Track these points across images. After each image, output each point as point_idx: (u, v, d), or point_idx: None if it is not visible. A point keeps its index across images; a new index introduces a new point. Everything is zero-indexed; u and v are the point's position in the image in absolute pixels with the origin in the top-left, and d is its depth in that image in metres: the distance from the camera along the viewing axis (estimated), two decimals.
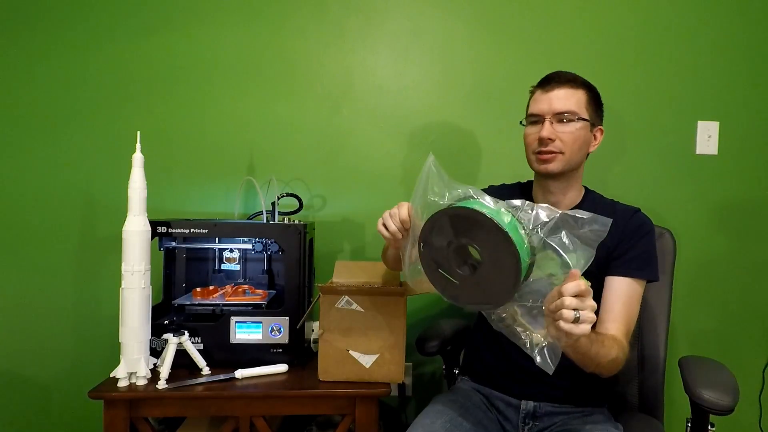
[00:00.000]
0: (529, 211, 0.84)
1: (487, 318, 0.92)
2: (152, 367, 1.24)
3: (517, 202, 0.84)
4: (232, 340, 1.31)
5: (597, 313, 1.06)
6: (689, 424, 1.10)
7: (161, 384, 1.17)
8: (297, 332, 1.32)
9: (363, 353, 1.21)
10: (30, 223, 1.65)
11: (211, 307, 1.36)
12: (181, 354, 1.24)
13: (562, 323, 0.75)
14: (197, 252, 1.51)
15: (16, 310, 1.66)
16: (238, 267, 1.55)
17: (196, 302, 1.38)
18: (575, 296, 0.75)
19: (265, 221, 1.43)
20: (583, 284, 0.76)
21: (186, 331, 1.26)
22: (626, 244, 1.09)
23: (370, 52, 1.69)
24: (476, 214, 0.81)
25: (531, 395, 1.14)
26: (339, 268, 1.31)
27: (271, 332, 1.31)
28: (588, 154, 1.15)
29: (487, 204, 0.84)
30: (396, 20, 1.69)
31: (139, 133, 1.23)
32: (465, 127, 1.70)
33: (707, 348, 1.74)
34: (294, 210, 1.57)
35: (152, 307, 1.24)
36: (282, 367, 1.28)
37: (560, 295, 0.76)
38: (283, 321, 1.31)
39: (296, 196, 1.57)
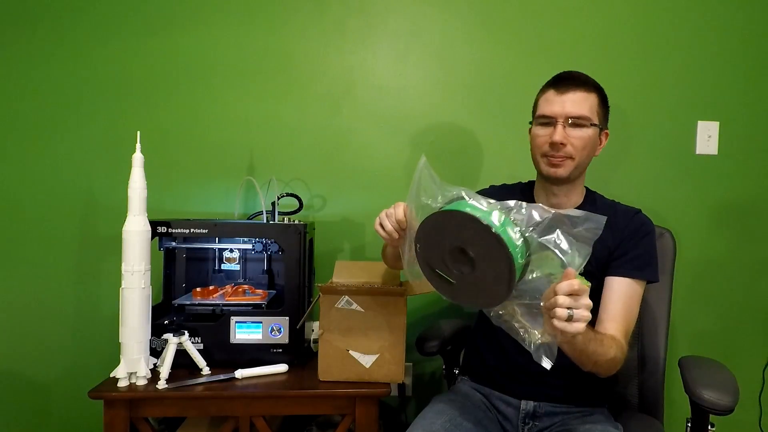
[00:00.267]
0: (523, 212, 0.83)
1: (486, 314, 0.92)
2: (152, 367, 1.24)
3: (510, 202, 0.83)
4: (232, 340, 1.31)
5: (596, 312, 1.07)
6: (689, 424, 1.10)
7: (161, 384, 1.17)
8: (297, 332, 1.32)
9: (363, 353, 1.21)
10: (30, 223, 1.65)
11: (211, 307, 1.36)
12: (181, 354, 1.24)
13: (555, 321, 0.76)
14: (197, 252, 1.51)
15: (16, 310, 1.66)
16: (238, 267, 1.55)
17: (196, 302, 1.38)
18: (570, 295, 0.75)
19: (265, 221, 1.43)
20: (577, 283, 0.76)
21: (186, 331, 1.26)
22: (627, 244, 1.10)
23: (370, 52, 1.69)
24: (468, 216, 0.81)
25: (531, 395, 1.14)
26: (339, 268, 1.31)
27: (271, 332, 1.31)
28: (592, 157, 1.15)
29: (479, 206, 0.83)
30: (396, 20, 1.69)
31: (139, 133, 1.23)
32: (465, 126, 1.70)
33: (707, 348, 1.74)
34: (294, 210, 1.57)
35: (152, 307, 1.24)
36: (282, 367, 1.28)
37: (554, 293, 0.76)
38: (283, 321, 1.31)
39: (296, 196, 1.57)
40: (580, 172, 1.13)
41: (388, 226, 0.98)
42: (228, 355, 1.30)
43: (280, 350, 1.31)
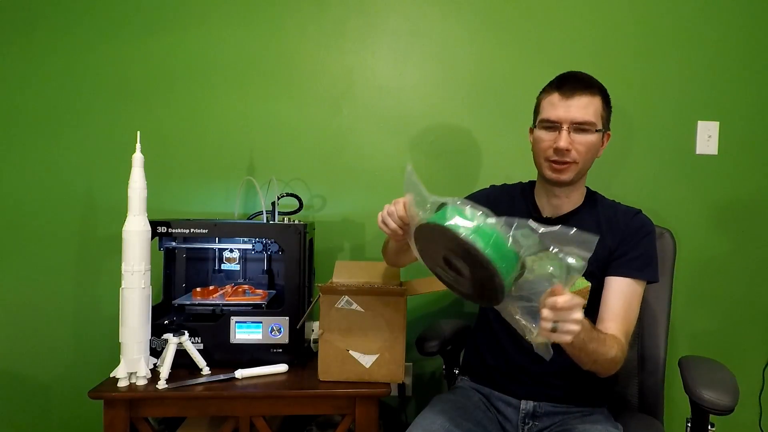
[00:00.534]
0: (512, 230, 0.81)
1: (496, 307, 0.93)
2: (152, 367, 1.24)
3: (493, 220, 0.80)
4: (232, 340, 1.31)
5: (597, 312, 1.07)
6: (689, 424, 1.10)
7: (161, 384, 1.17)
8: (297, 332, 1.32)
9: (363, 353, 1.21)
10: (30, 223, 1.65)
11: (211, 307, 1.36)
12: (181, 354, 1.24)
13: (542, 331, 0.78)
14: (197, 252, 1.51)
15: (16, 310, 1.66)
16: (238, 267, 1.55)
17: (196, 302, 1.38)
18: (556, 309, 0.76)
19: (265, 221, 1.43)
20: (561, 301, 0.76)
21: (186, 331, 1.26)
22: (627, 244, 1.10)
23: (370, 52, 1.69)
24: (446, 229, 0.79)
25: (531, 395, 1.14)
26: (339, 268, 1.31)
27: (271, 332, 1.31)
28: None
29: (465, 221, 0.80)
30: (396, 20, 1.69)
31: (139, 133, 1.23)
32: (465, 127, 1.70)
33: (707, 348, 1.74)
34: (294, 210, 1.57)
35: (152, 307, 1.24)
36: (282, 367, 1.28)
37: (542, 305, 0.78)
38: (283, 321, 1.31)
39: (296, 196, 1.57)
40: (582, 175, 1.13)
41: (392, 225, 0.98)
42: (228, 355, 1.30)
43: (280, 350, 1.31)
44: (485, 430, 1.09)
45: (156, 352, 1.27)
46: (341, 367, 1.22)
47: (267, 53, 1.67)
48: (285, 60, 1.68)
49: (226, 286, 1.47)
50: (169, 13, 1.66)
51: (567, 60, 1.68)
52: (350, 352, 1.21)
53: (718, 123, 1.72)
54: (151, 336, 1.24)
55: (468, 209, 0.82)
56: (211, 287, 1.45)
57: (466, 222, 0.80)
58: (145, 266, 1.20)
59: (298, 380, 1.25)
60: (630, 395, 1.30)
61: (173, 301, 1.40)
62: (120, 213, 1.22)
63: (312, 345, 1.46)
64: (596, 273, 1.10)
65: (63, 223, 1.66)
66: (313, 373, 1.24)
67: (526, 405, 1.14)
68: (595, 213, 1.15)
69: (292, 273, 1.33)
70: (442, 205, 0.85)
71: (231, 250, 1.53)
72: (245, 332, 1.31)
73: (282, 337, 1.31)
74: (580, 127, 1.06)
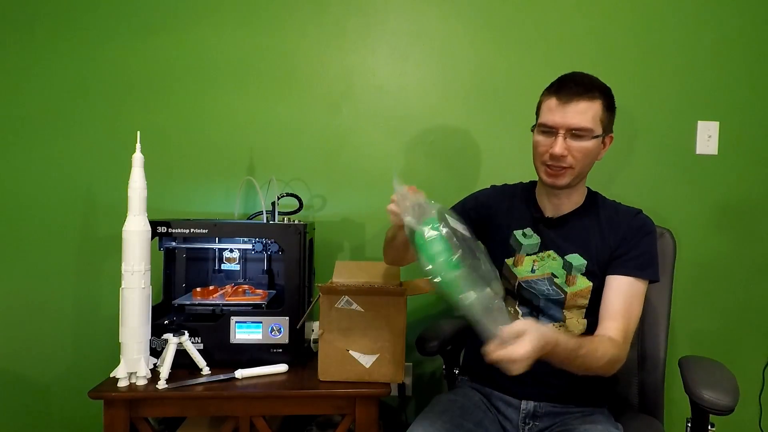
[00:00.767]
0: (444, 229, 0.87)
1: None
2: (152, 367, 1.24)
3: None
4: (232, 340, 1.31)
5: (597, 312, 1.07)
6: (689, 424, 1.10)
7: (161, 384, 1.17)
8: (297, 332, 1.32)
9: (363, 353, 1.21)
10: (30, 223, 1.65)
11: (211, 307, 1.36)
12: (181, 354, 1.24)
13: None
14: (197, 252, 1.51)
15: (16, 310, 1.66)
16: (238, 267, 1.55)
17: (196, 302, 1.38)
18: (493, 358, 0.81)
19: (265, 221, 1.43)
20: (494, 356, 0.81)
21: (186, 331, 1.26)
22: (628, 244, 1.10)
23: (370, 52, 1.69)
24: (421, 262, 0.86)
25: (531, 395, 1.14)
26: (339, 268, 1.31)
27: (271, 332, 1.31)
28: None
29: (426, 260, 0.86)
30: (396, 20, 1.69)
31: (139, 133, 1.23)
32: (465, 127, 1.70)
33: (707, 348, 1.74)
34: (294, 210, 1.57)
35: (152, 307, 1.24)
36: (282, 367, 1.28)
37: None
38: (283, 321, 1.31)
39: (296, 196, 1.57)
40: (580, 179, 1.12)
41: (396, 221, 0.98)
42: (228, 355, 1.30)
43: (280, 350, 1.31)
44: (485, 431, 1.09)
45: (156, 352, 1.27)
46: (341, 367, 1.22)
47: (267, 53, 1.67)
48: (285, 60, 1.68)
49: (226, 286, 1.47)
50: (169, 13, 1.66)
51: (567, 60, 1.68)
52: (350, 352, 1.21)
53: (718, 123, 1.72)
54: (151, 336, 1.24)
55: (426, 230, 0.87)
56: (211, 287, 1.45)
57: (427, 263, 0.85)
58: (145, 266, 1.20)
59: (298, 380, 1.25)
60: (630, 395, 1.30)
61: (173, 301, 1.40)
62: (120, 213, 1.22)
63: (312, 345, 1.46)
64: (597, 273, 1.10)
65: (63, 223, 1.66)
66: (313, 373, 1.24)
67: (527, 405, 1.14)
68: (595, 213, 1.15)
69: (292, 273, 1.33)
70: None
71: (231, 250, 1.53)
72: (245, 332, 1.31)
73: (282, 337, 1.31)
74: (576, 133, 1.05)
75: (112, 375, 1.19)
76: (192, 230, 1.32)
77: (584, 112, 1.04)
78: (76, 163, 1.66)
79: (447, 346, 1.37)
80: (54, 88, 1.65)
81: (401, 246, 1.15)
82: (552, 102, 1.07)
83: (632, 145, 1.72)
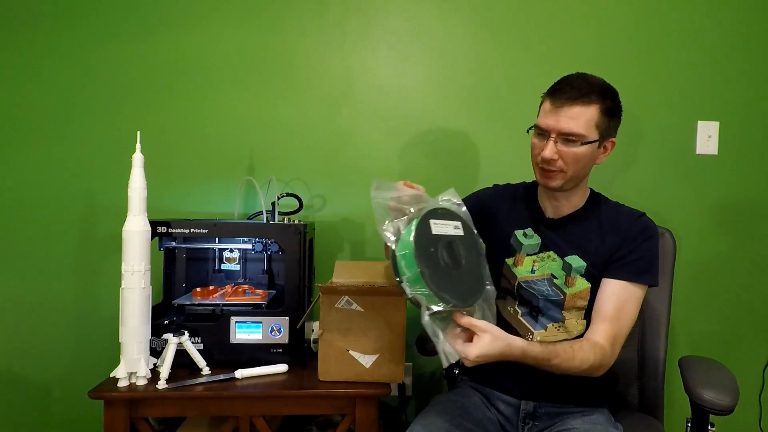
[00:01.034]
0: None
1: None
2: (152, 367, 1.24)
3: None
4: (232, 340, 1.31)
5: (590, 314, 1.07)
6: (689, 424, 1.11)
7: (161, 384, 1.17)
8: (297, 332, 1.32)
9: (363, 353, 1.21)
10: (30, 223, 1.65)
11: (211, 307, 1.36)
12: (181, 354, 1.24)
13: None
14: (197, 252, 1.51)
15: (16, 310, 1.66)
16: (238, 267, 1.55)
17: (196, 302, 1.38)
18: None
19: (265, 221, 1.43)
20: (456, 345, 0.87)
21: (186, 331, 1.26)
22: (627, 247, 1.09)
23: (370, 52, 1.69)
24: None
25: (531, 395, 1.14)
26: (339, 268, 1.30)
27: (271, 332, 1.31)
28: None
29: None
30: (396, 20, 1.69)
31: (139, 133, 1.23)
32: (465, 127, 1.70)
33: (707, 348, 1.74)
34: (294, 210, 1.57)
35: (152, 307, 1.24)
36: (282, 367, 1.28)
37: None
38: (283, 321, 1.31)
39: (296, 196, 1.57)
40: (575, 183, 1.11)
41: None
42: (228, 355, 1.30)
43: (280, 350, 1.31)
44: (485, 430, 1.09)
45: (156, 352, 1.27)
46: (341, 367, 1.21)
47: (267, 53, 1.67)
48: (285, 60, 1.68)
49: (226, 286, 1.47)
50: (169, 13, 1.66)
51: (567, 60, 1.68)
52: (350, 352, 1.21)
53: (718, 123, 1.72)
54: (151, 336, 1.24)
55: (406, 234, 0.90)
56: (211, 287, 1.45)
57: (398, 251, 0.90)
58: (145, 266, 1.20)
59: (298, 380, 1.24)
60: (630, 395, 1.30)
61: (173, 301, 1.40)
62: (120, 213, 1.22)
63: (312, 345, 1.46)
64: (597, 274, 1.10)
65: (63, 223, 1.66)
66: (313, 373, 1.24)
67: (526, 405, 1.14)
68: (596, 215, 1.15)
69: (292, 273, 1.33)
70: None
71: (231, 250, 1.53)
72: (245, 332, 1.31)
73: (282, 337, 1.31)
74: (567, 138, 1.04)
75: (112, 375, 1.19)
76: (192, 230, 1.32)
77: (576, 118, 1.03)
78: (76, 163, 1.66)
79: None
80: (54, 88, 1.65)
81: None
82: (547, 104, 1.07)
83: (632, 145, 1.72)
